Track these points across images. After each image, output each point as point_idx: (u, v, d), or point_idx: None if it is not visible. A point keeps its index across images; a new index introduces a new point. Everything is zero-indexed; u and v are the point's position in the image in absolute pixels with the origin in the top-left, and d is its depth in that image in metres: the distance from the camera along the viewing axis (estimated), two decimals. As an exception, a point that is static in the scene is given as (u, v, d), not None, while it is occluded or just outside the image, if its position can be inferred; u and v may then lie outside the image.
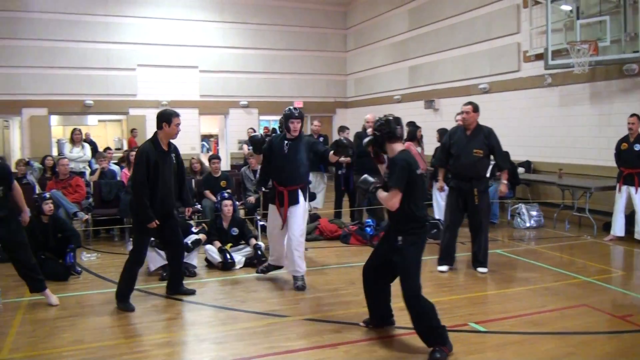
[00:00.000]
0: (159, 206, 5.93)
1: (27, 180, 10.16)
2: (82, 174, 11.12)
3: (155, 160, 5.82)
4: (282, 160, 6.63)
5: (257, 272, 7.19)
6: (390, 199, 4.66)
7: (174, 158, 6.11)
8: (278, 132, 8.65)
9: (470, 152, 7.12)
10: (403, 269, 4.74)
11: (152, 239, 7.22)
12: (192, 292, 6.45)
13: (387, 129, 4.80)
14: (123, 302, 5.96)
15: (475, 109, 7.18)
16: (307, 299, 6.29)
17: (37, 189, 9.63)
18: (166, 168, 5.96)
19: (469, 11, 14.08)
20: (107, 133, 23.03)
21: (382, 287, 5.12)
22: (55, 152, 16.96)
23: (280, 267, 7.09)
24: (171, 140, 6.08)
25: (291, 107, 6.81)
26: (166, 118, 5.91)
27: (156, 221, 5.85)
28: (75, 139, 11.83)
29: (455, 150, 7.27)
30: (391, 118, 4.84)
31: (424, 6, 15.97)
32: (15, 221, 5.88)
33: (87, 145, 12.16)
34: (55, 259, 7.27)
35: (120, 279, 6.06)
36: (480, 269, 7.26)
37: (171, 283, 6.48)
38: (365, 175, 5.06)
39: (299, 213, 6.62)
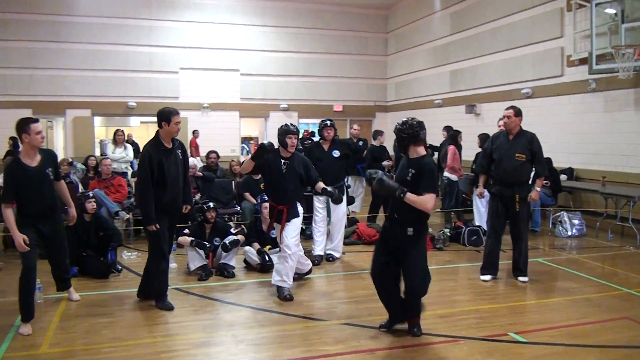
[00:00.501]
0: (170, 204, 5.90)
1: (70, 179, 10.35)
2: (124, 174, 11.31)
3: (158, 159, 5.75)
4: (280, 179, 6.57)
5: None
6: (428, 203, 4.83)
7: (179, 154, 6.02)
8: (317, 137, 8.63)
9: (513, 156, 7.01)
10: (415, 256, 4.99)
11: (192, 238, 7.33)
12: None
13: (412, 131, 4.95)
14: (161, 301, 6.01)
15: (517, 113, 7.07)
16: (345, 304, 6.28)
17: (80, 188, 9.82)
18: (172, 166, 5.87)
19: (511, 15, 13.87)
20: (149, 134, 23.11)
21: (393, 286, 5.26)
22: (97, 153, 17.27)
23: (308, 273, 7.14)
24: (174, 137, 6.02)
25: (288, 123, 6.79)
26: (165, 117, 5.85)
27: (156, 225, 5.77)
28: (118, 139, 12.04)
29: (498, 154, 7.18)
30: (415, 122, 4.99)
31: (466, 10, 15.81)
32: (60, 220, 5.85)
33: (129, 146, 12.34)
34: (96, 257, 7.41)
35: (151, 279, 6.10)
36: (520, 278, 7.14)
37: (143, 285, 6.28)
38: (381, 177, 4.99)
39: (296, 222, 6.59)
